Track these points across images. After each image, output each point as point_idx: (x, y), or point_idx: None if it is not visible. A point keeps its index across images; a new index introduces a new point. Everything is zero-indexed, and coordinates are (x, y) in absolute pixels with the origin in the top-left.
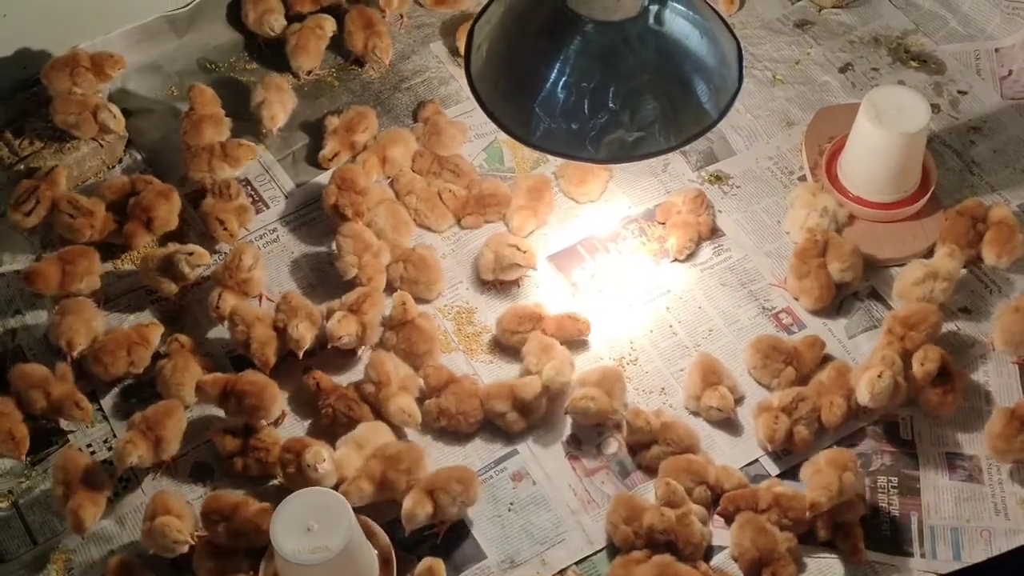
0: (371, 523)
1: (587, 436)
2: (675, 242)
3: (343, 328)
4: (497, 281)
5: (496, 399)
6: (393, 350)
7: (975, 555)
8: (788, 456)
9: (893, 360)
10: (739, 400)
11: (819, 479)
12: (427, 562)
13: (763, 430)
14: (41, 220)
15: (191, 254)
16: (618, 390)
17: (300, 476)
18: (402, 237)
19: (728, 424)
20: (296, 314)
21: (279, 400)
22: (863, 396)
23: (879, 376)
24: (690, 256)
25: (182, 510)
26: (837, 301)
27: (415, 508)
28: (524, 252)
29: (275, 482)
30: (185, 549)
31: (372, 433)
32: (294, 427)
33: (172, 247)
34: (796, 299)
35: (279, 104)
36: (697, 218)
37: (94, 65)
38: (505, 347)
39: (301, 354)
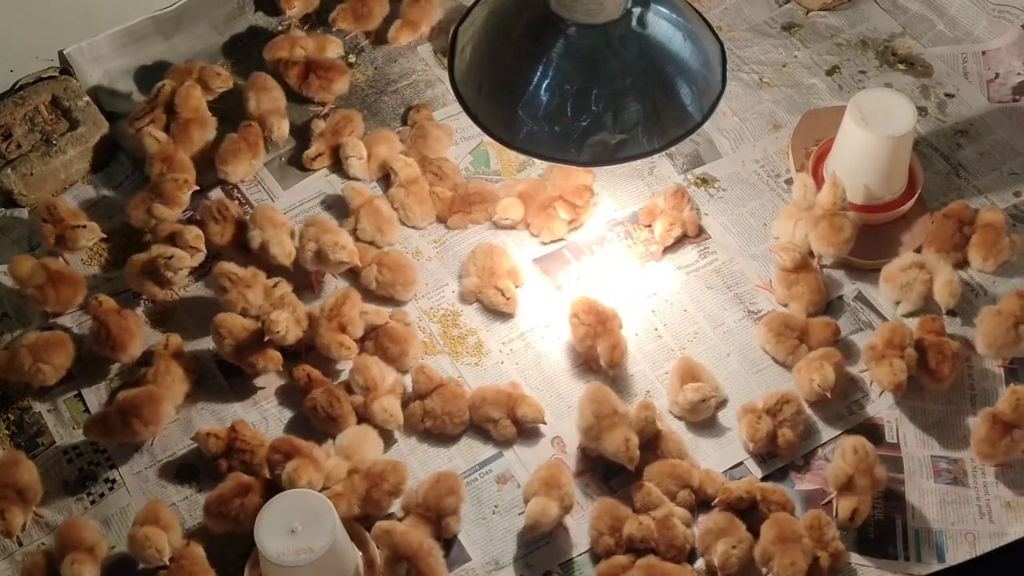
0: (356, 525)
1: (572, 439)
2: (659, 229)
3: (345, 351)
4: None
5: (491, 405)
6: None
7: (959, 558)
8: (773, 459)
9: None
10: (722, 404)
11: (785, 560)
12: None
13: (746, 430)
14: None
15: (170, 257)
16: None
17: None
18: (387, 235)
19: (713, 427)
20: (282, 308)
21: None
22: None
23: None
24: (675, 246)
25: (170, 522)
26: (824, 304)
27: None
28: (508, 299)
29: None
30: (162, 563)
31: (359, 443)
32: (276, 421)
33: (156, 250)
34: (784, 306)
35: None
36: (679, 212)
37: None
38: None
39: (268, 336)
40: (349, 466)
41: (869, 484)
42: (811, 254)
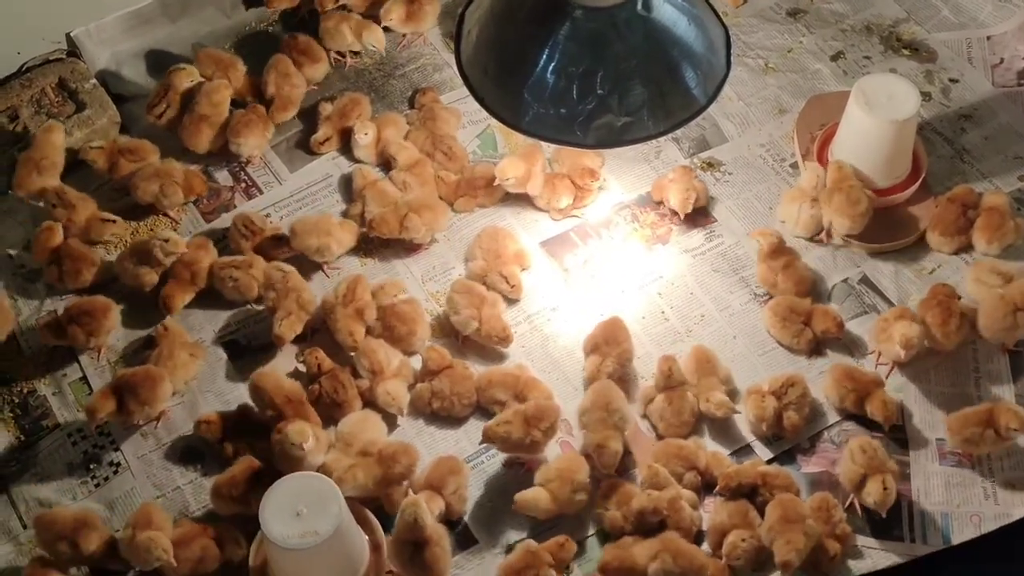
0: (362, 509)
1: (577, 421)
2: (676, 199)
3: (352, 341)
4: None
5: (498, 387)
6: (380, 338)
7: (965, 539)
8: (779, 441)
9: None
10: (732, 393)
11: (782, 539)
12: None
13: (752, 411)
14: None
15: (166, 241)
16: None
17: (283, 456)
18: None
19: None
20: (287, 296)
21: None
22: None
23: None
24: (685, 229)
25: (163, 523)
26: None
27: (432, 507)
28: (512, 287)
29: None
30: (171, 562)
31: (360, 428)
32: None
33: (147, 235)
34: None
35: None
36: (689, 180)
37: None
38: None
39: (283, 346)
40: (358, 448)
41: (889, 474)
42: (820, 234)
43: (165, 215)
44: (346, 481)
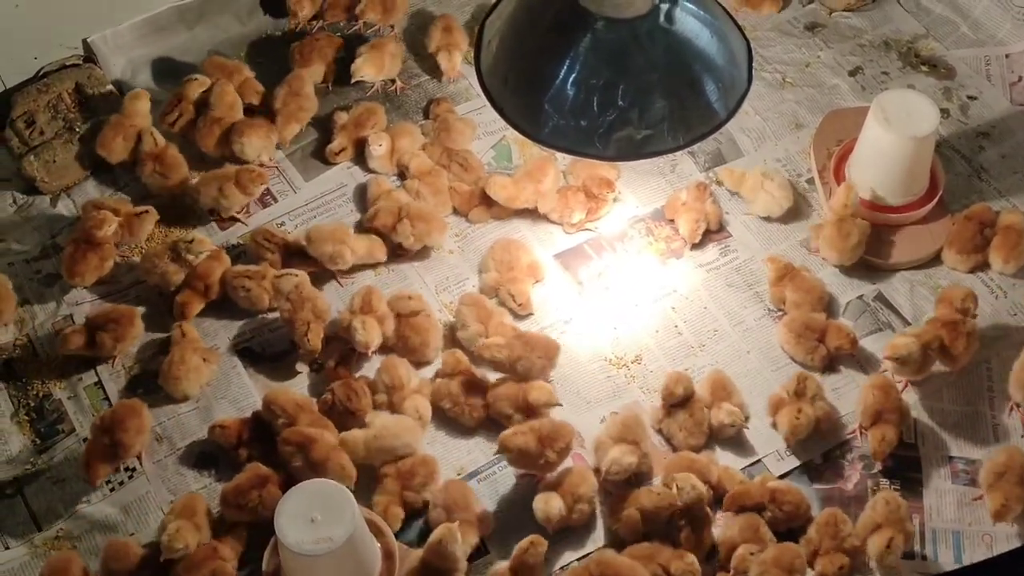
0: (374, 516)
1: (589, 434)
2: (685, 227)
3: (371, 335)
4: None
5: (504, 400)
6: (393, 348)
7: (976, 559)
8: (791, 457)
9: None
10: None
11: None
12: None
13: (787, 425)
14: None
15: (191, 241)
16: (641, 435)
17: (308, 469)
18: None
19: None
20: (303, 306)
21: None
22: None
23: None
24: (699, 246)
25: (202, 519)
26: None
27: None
28: (520, 304)
29: None
30: (178, 555)
31: (400, 429)
32: None
33: (175, 237)
34: (781, 310)
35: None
36: (701, 204)
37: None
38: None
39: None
40: (382, 465)
41: (901, 534)
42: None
43: (233, 218)
44: (393, 521)
